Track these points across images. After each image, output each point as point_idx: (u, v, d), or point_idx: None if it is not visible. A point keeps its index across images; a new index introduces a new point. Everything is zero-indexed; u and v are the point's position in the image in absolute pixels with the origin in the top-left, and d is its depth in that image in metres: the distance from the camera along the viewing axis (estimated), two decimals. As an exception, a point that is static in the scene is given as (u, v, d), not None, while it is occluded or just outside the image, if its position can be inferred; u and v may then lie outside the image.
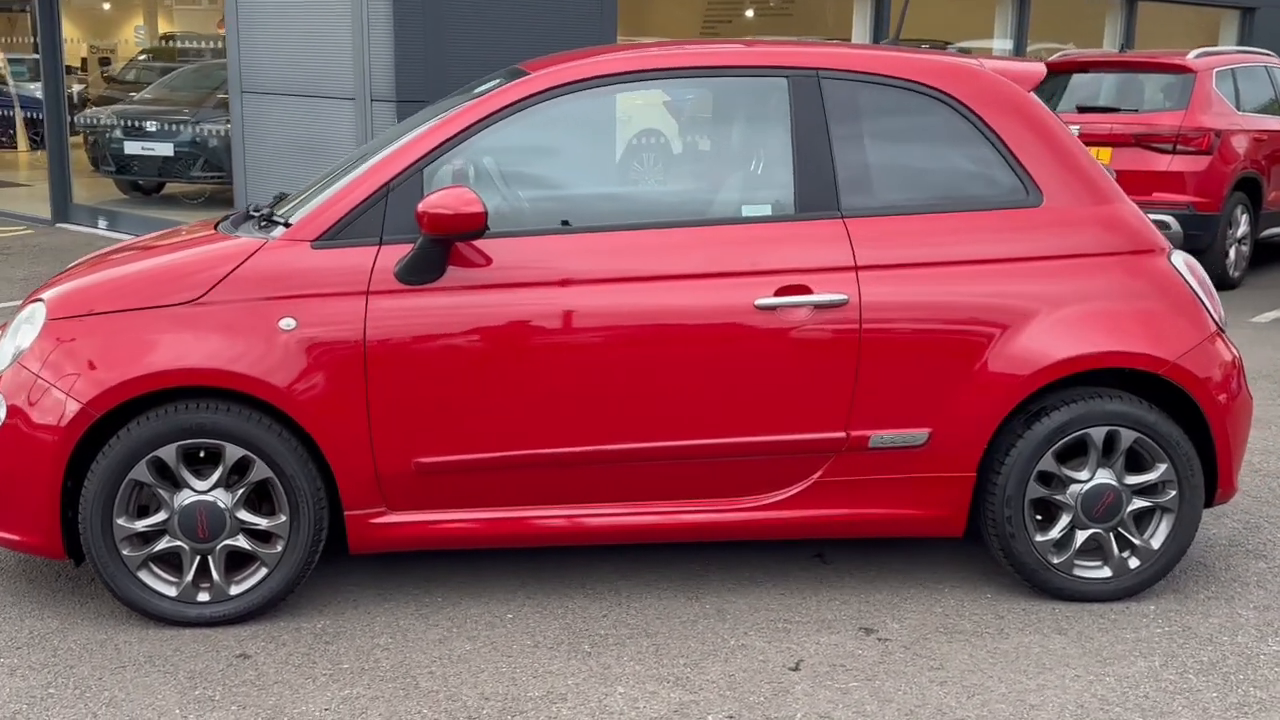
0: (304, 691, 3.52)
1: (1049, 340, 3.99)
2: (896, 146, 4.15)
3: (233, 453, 3.82)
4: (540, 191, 4.21)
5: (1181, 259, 4.19)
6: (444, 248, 3.79)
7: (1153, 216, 9.66)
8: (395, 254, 3.83)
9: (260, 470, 3.84)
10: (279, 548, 3.90)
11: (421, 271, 3.80)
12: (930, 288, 3.98)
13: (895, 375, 3.98)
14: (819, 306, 3.92)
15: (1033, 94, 4.24)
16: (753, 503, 4.05)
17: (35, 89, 16.44)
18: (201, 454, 3.86)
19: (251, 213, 4.28)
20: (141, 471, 3.80)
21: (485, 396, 3.85)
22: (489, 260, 3.85)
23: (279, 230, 3.93)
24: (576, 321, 3.86)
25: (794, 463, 4.01)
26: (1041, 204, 4.09)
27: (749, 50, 4.13)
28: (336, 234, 3.85)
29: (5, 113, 19.95)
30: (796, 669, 3.69)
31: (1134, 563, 4.17)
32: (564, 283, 3.87)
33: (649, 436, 3.92)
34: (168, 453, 3.80)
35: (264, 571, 3.91)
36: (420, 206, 3.70)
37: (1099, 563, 4.17)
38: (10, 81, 20.07)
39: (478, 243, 3.85)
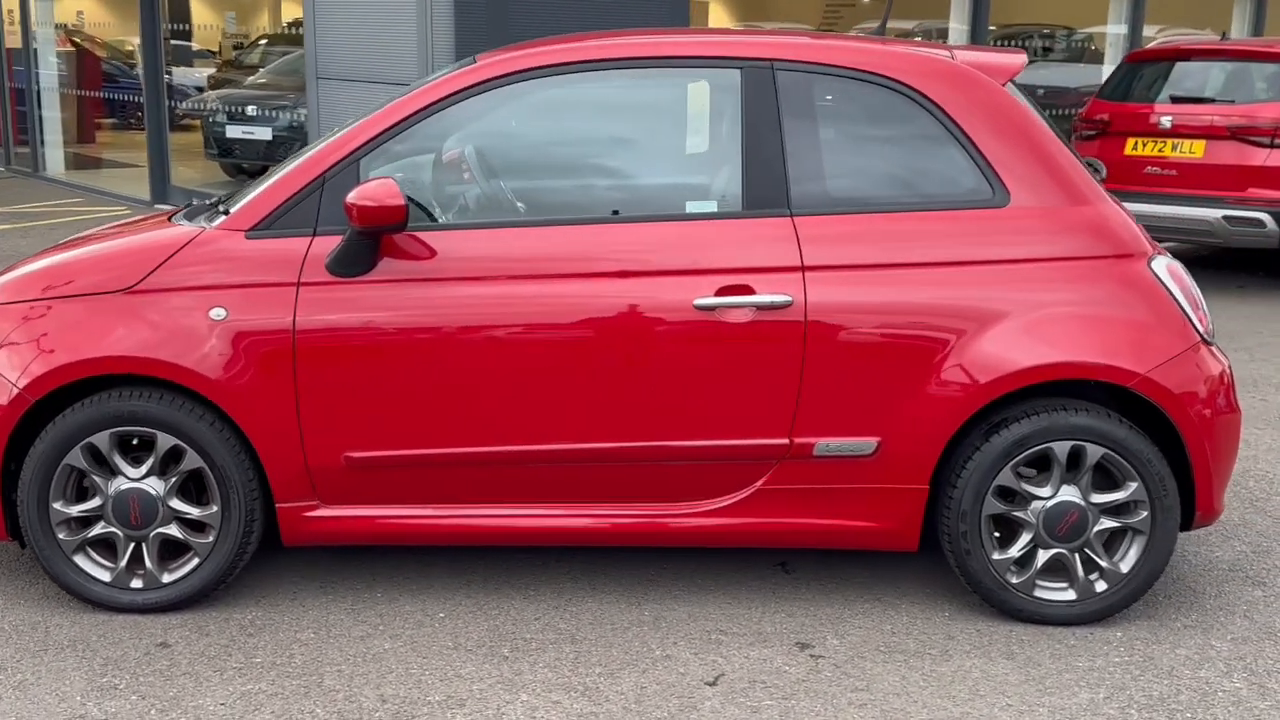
0: (208, 684, 3.51)
1: (1006, 349, 3.77)
2: (854, 142, 3.97)
3: (164, 441, 3.83)
4: (476, 184, 4.13)
5: (1164, 264, 3.92)
6: (373, 240, 3.74)
7: (1246, 214, 9.30)
8: (329, 245, 3.78)
9: (192, 459, 3.84)
10: (211, 538, 3.89)
11: (351, 264, 3.75)
12: (881, 291, 3.80)
13: (842, 381, 3.81)
14: (761, 308, 3.76)
15: (1009, 87, 4.01)
16: (693, 509, 3.92)
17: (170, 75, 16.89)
18: (135, 441, 3.88)
19: (208, 203, 4.28)
20: (76, 457, 3.83)
21: (414, 392, 3.79)
22: (423, 253, 3.79)
23: (219, 220, 3.92)
24: (507, 318, 3.77)
25: (736, 469, 3.87)
26: (1008, 204, 3.86)
27: (701, 40, 3.99)
28: (271, 224, 3.82)
29: (134, 96, 20.59)
30: (714, 684, 3.55)
31: (1101, 586, 3.92)
32: (496, 278, 3.78)
33: (581, 438, 3.82)
34: (101, 439, 3.82)
35: (196, 561, 3.91)
36: (348, 198, 3.64)
37: (1064, 584, 3.94)
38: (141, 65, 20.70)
39: (414, 235, 3.78)
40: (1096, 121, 9.95)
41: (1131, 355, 3.79)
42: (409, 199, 3.69)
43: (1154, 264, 3.90)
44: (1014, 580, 3.92)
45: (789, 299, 3.76)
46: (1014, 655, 3.74)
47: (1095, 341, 3.80)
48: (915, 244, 3.82)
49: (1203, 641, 3.85)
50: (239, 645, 3.73)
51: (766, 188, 3.83)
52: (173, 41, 17.34)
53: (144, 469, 3.85)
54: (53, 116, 15.34)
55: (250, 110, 13.39)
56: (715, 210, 3.92)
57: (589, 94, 4.05)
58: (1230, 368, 4.01)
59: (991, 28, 13.51)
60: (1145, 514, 3.87)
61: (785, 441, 3.83)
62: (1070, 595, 3.93)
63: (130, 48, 19.85)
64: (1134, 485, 3.85)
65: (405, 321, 3.76)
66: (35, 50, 15.15)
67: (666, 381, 3.79)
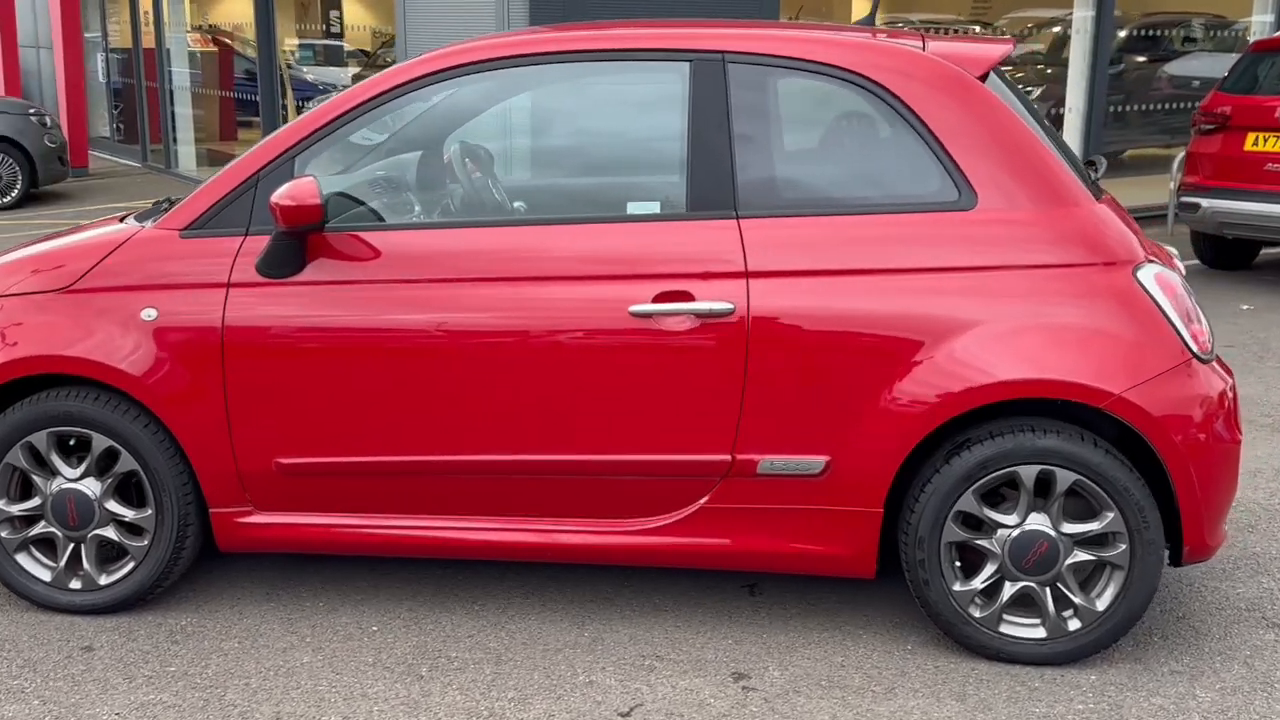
0: (112, 692, 3.44)
1: (965, 364, 3.47)
2: (809, 139, 3.72)
3: (100, 442, 3.79)
4: (411, 183, 3.99)
5: (1152, 273, 3.56)
6: (299, 241, 3.63)
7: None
8: (260, 245, 3.68)
9: (127, 462, 3.79)
10: (146, 541, 3.84)
11: (278, 265, 3.65)
12: (830, 298, 3.53)
13: (787, 395, 3.56)
14: (700, 315, 3.54)
15: (987, 81, 3.70)
16: (633, 526, 3.71)
17: (312, 74, 17.25)
18: (73, 442, 3.84)
19: (158, 202, 4.24)
20: (16, 456, 3.82)
21: (343, 399, 3.67)
22: (361, 255, 3.66)
23: (159, 219, 3.86)
24: (436, 323, 3.62)
25: (677, 485, 3.65)
26: (974, 207, 3.56)
27: (649, 32, 3.76)
28: (205, 224, 3.75)
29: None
30: (628, 715, 3.35)
31: (1074, 624, 3.59)
32: (427, 281, 3.63)
33: (515, 449, 3.65)
34: (39, 439, 3.80)
35: (132, 564, 3.86)
36: (271, 198, 3.54)
37: (1034, 620, 3.62)
38: (294, 66, 21.19)
39: (356, 236, 3.66)
40: (1216, 115, 9.33)
41: (1106, 373, 3.45)
42: (377, 198, 3.57)
43: (1140, 273, 3.54)
44: (977, 613, 3.61)
45: (730, 306, 3.53)
46: (965, 697, 3.44)
47: (1065, 357, 3.47)
48: (869, 249, 3.55)
49: (1186, 690, 3.49)
50: (160, 652, 3.67)
51: (712, 188, 3.60)
52: (325, 42, 17.73)
53: (80, 470, 3.82)
54: (185, 114, 15.76)
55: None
56: (658, 211, 3.70)
57: (530, 90, 3.87)
58: (1233, 389, 3.64)
59: (1118, 14, 12.80)
60: (1123, 547, 3.53)
61: (727, 458, 3.60)
62: (1040, 633, 3.61)
63: (286, 49, 20.32)
64: (1110, 515, 3.51)
65: (331, 325, 3.64)
66: (168, 50, 15.58)
67: (602, 392, 3.59)
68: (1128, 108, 13.93)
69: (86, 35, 17.18)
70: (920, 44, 3.73)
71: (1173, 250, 4.16)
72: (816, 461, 3.57)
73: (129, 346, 3.70)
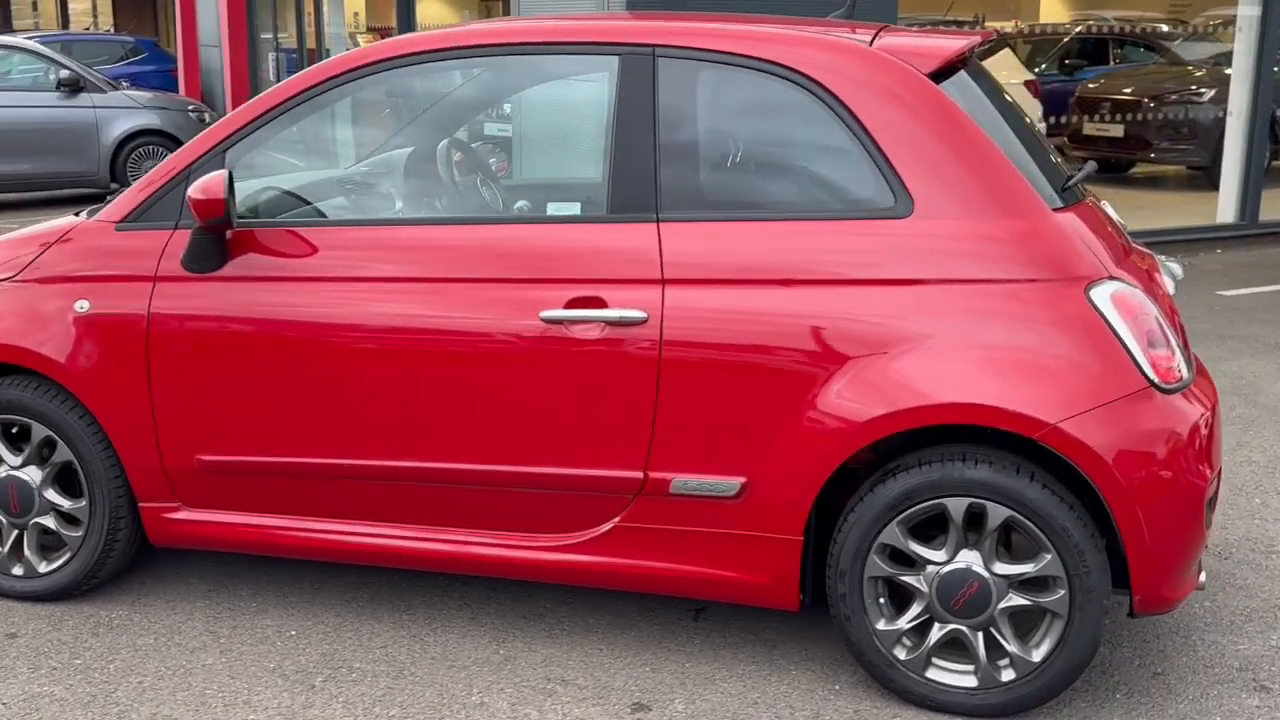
0: (10, 681, 3.45)
1: (886, 385, 3.20)
2: (740, 139, 3.48)
3: (39, 431, 3.82)
4: (327, 179, 3.89)
5: (1109, 293, 3.21)
6: (216, 235, 3.58)
7: None
8: (186, 239, 3.65)
9: (63, 451, 3.81)
10: (80, 532, 3.85)
11: (199, 259, 3.60)
12: (748, 309, 3.30)
13: (701, 411, 3.34)
14: (611, 323, 3.35)
15: (951, 78, 3.41)
16: (547, 542, 3.54)
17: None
18: (15, 430, 3.88)
19: (109, 194, 4.25)
20: (-37, 443, 3.88)
21: (257, 397, 3.61)
22: (270, 251, 3.60)
23: (100, 212, 3.86)
24: (342, 323, 3.52)
25: (591, 501, 3.47)
26: (910, 214, 3.27)
27: (578, 24, 3.59)
28: (139, 216, 3.73)
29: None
30: (503, 741, 3.19)
31: (1008, 675, 3.28)
32: (336, 280, 3.54)
33: (425, 456, 3.52)
34: (-16, 426, 3.86)
35: (68, 555, 3.88)
36: (187, 191, 3.50)
37: (967, 667, 3.32)
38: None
39: (264, 232, 3.60)
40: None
41: (1041, 400, 3.13)
42: (326, 196, 3.52)
43: (1093, 291, 3.20)
44: (903, 655, 3.33)
45: (643, 315, 3.33)
46: (872, 747, 3.18)
47: (996, 381, 3.16)
48: (794, 257, 3.30)
49: (1126, 756, 3.15)
50: (76, 644, 3.67)
51: (634, 189, 3.41)
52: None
53: (22, 458, 3.86)
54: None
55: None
56: (578, 213, 3.52)
57: (455, 85, 3.74)
58: (1208, 422, 3.26)
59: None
60: (1062, 593, 3.20)
61: (639, 475, 3.40)
62: (971, 681, 3.30)
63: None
64: (1048, 558, 3.19)
65: (241, 321, 3.58)
66: (328, 50, 16.01)
67: (513, 400, 3.44)
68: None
69: (262, 35, 17.78)
70: (870, 37, 3.46)
71: (1174, 267, 3.78)
72: (732, 483, 3.34)
73: (62, 337, 3.72)
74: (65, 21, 31.75)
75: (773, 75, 3.39)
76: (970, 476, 3.19)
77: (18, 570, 3.93)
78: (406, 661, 3.57)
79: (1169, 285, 3.66)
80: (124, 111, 12.66)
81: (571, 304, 3.37)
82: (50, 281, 3.77)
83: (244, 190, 3.68)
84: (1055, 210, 3.31)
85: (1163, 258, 3.83)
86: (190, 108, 13.54)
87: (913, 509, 3.25)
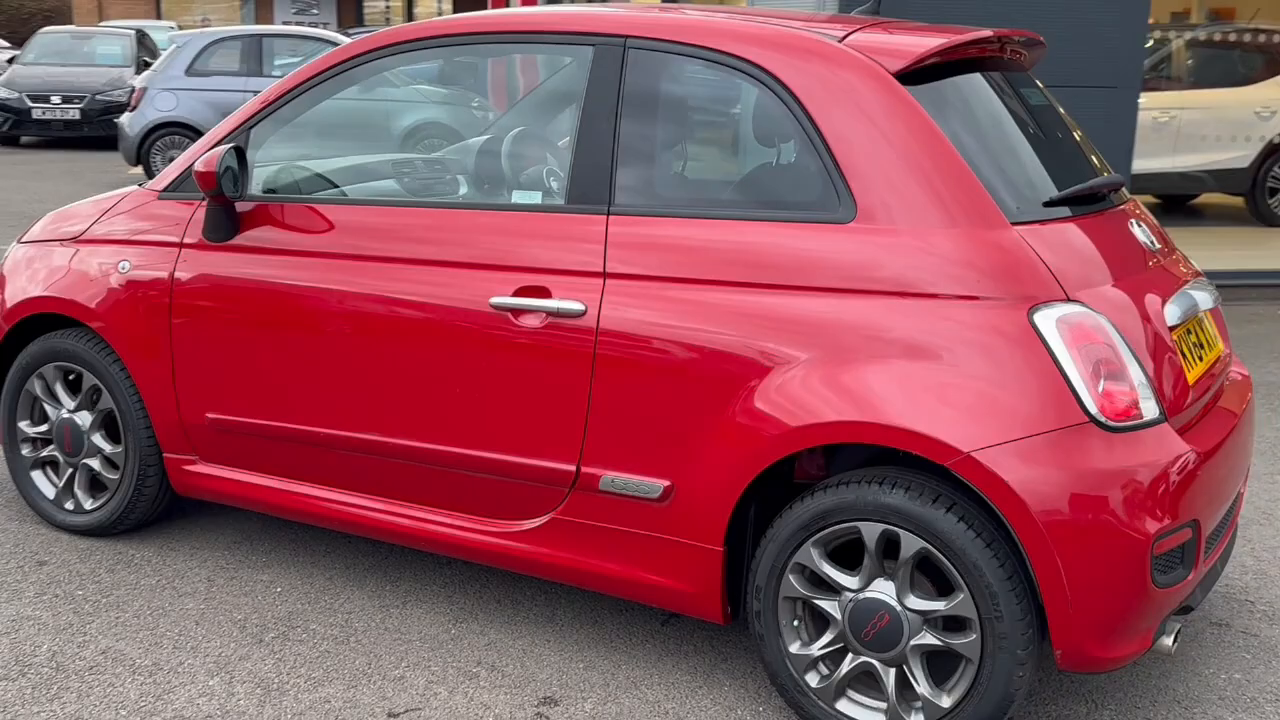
0: (14, 603, 3.77)
1: (801, 397, 3.04)
2: (697, 134, 3.40)
3: (88, 379, 4.16)
4: (324, 161, 4.03)
5: (1055, 316, 2.93)
6: (224, 207, 3.79)
7: None
8: (208, 210, 3.89)
9: (107, 400, 4.13)
10: (118, 475, 4.17)
11: (212, 229, 3.83)
12: (681, 309, 3.21)
13: (631, 409, 3.28)
14: (552, 314, 3.34)
15: (923, 79, 3.20)
16: (495, 528, 3.57)
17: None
18: (71, 377, 4.24)
19: None
20: (33, 384, 4.27)
21: (248, 361, 3.81)
22: (267, 225, 3.78)
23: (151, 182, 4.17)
24: (316, 297, 3.66)
25: (532, 491, 3.47)
26: (852, 220, 3.10)
27: (555, 15, 3.57)
28: (177, 187, 4.00)
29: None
30: (398, 715, 3.24)
31: (915, 718, 3.06)
32: (314, 254, 3.69)
33: (388, 431, 3.62)
34: (48, 371, 4.23)
35: (108, 495, 4.20)
36: (194, 165, 3.74)
37: (879, 704, 3.12)
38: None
39: (266, 207, 3.79)
40: None
41: (958, 426, 2.90)
42: (341, 175, 3.72)
43: (1038, 314, 2.94)
44: (814, 683, 3.17)
45: (581, 307, 3.30)
46: (753, 772, 3.04)
47: (913, 402, 2.94)
48: (731, 258, 3.19)
49: (1024, 822, 2.88)
50: (89, 576, 3.97)
51: (591, 181, 3.38)
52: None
53: (76, 403, 4.21)
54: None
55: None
56: (538, 202, 3.52)
57: (437, 73, 3.79)
58: (1184, 466, 2.94)
59: None
60: (974, 637, 2.96)
61: (573, 469, 3.38)
62: (879, 719, 3.10)
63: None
64: (960, 596, 2.96)
65: (237, 291, 3.78)
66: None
67: (463, 383, 3.48)
68: None
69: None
70: (846, 34, 3.29)
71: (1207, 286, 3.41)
72: (656, 485, 3.27)
73: (107, 294, 4.03)
74: (410, 13, 33.70)
75: (736, 70, 3.28)
76: (884, 501, 3.00)
77: (69, 505, 4.29)
78: (360, 629, 3.68)
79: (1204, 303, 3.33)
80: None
81: (519, 292, 3.38)
82: (104, 243, 4.10)
83: (267, 166, 3.88)
84: (1021, 224, 3.05)
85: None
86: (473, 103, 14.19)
87: (827, 530, 3.08)
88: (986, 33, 3.38)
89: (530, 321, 3.36)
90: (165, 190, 4.02)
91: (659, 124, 3.37)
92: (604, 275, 3.30)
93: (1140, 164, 11.60)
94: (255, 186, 3.85)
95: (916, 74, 3.22)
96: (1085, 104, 8.73)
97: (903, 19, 3.79)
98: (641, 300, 3.25)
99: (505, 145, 3.80)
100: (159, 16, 32.43)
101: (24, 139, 18.34)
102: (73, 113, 17.77)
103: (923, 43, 3.24)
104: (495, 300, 3.40)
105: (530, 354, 3.37)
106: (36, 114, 17.77)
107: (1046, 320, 2.93)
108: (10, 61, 20.06)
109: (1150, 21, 13.78)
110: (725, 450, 3.15)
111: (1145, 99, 12.24)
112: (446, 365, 3.49)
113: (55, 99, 17.82)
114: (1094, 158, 3.70)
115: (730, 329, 3.15)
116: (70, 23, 31.80)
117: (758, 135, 3.33)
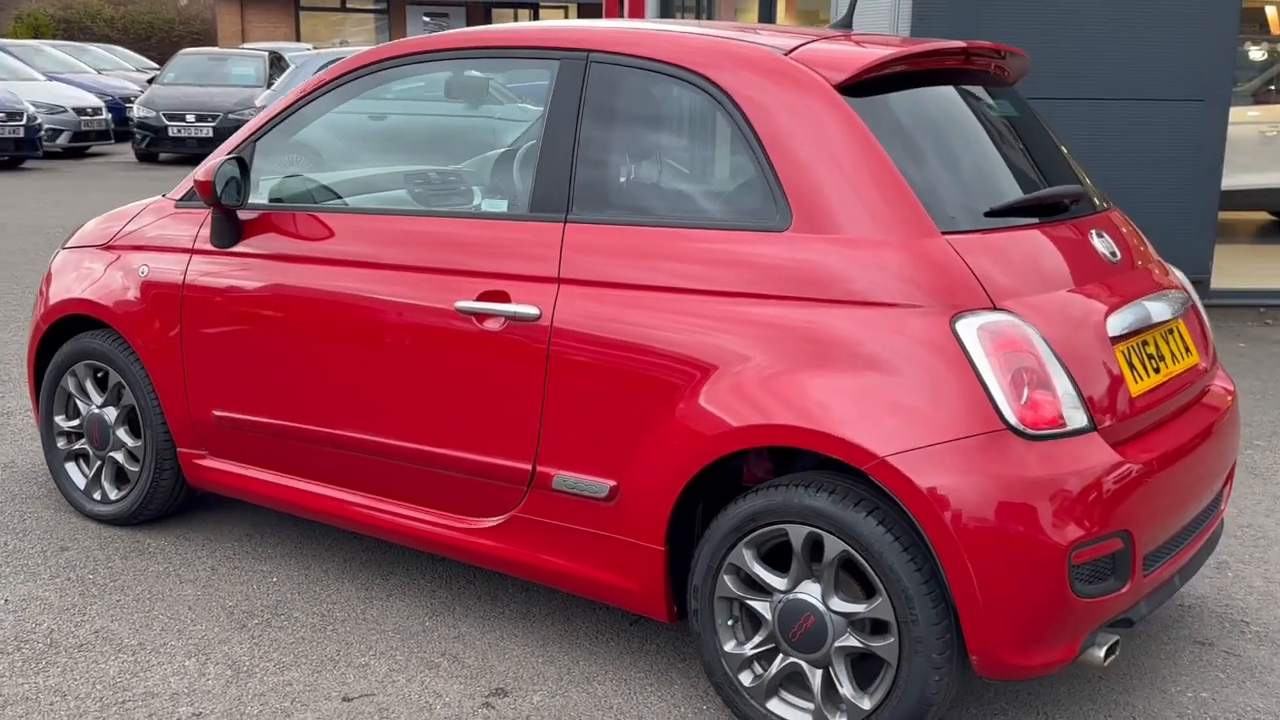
0: (28, 583, 4.03)
1: (730, 401, 3.12)
2: (651, 144, 3.48)
3: (114, 377, 4.42)
4: (315, 172, 4.21)
5: (977, 324, 2.95)
6: (227, 215, 4.01)
7: None
8: (218, 219, 4.12)
9: (129, 397, 4.39)
10: (138, 468, 4.41)
11: (218, 235, 4.05)
12: (627, 314, 3.31)
13: (581, 411, 3.39)
14: (510, 318, 3.47)
15: (871, 91, 3.26)
16: (463, 524, 3.70)
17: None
18: (100, 375, 4.50)
19: None
20: (67, 382, 4.55)
21: (244, 360, 4.01)
22: (264, 232, 3.99)
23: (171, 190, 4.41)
24: (299, 299, 3.85)
25: (495, 489, 3.60)
26: (787, 229, 3.17)
27: (525, 31, 3.71)
28: (192, 196, 4.24)
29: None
30: (351, 700, 3.39)
31: None
32: (300, 260, 3.88)
33: (367, 429, 3.79)
34: (79, 369, 4.50)
35: (129, 488, 4.46)
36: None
37: (807, 705, 3.17)
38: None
39: (265, 215, 4.00)
40: None
41: (876, 431, 2.94)
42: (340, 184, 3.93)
43: (960, 322, 2.97)
44: (747, 682, 3.23)
45: (536, 311, 3.43)
46: (678, 766, 3.11)
47: (834, 406, 3.00)
48: (675, 265, 3.28)
49: (934, 825, 2.90)
50: (103, 562, 4.21)
51: (552, 190, 3.50)
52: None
53: (103, 399, 4.47)
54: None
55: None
56: (504, 210, 3.65)
57: (415, 89, 3.96)
58: (1117, 476, 2.94)
59: None
60: (891, 640, 2.99)
61: (529, 468, 3.50)
62: (806, 720, 3.15)
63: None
64: (879, 600, 3.00)
65: (234, 294, 4.00)
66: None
67: (434, 384, 3.63)
68: None
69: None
70: (793, 45, 3.36)
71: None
72: (603, 485, 3.37)
73: (127, 296, 4.29)
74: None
75: (686, 82, 3.37)
76: (808, 504, 3.05)
77: (97, 495, 4.55)
78: (339, 619, 3.84)
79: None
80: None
81: (482, 296, 3.52)
82: (128, 249, 4.35)
83: (270, 178, 4.10)
84: (955, 233, 3.09)
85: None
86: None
87: (758, 532, 3.15)
88: (947, 44, 3.41)
89: (492, 325, 3.49)
90: (181, 199, 4.26)
91: (615, 135, 3.47)
92: (559, 280, 3.41)
93: (1249, 179, 11.29)
94: (259, 195, 4.05)
95: (868, 85, 3.27)
96: (1167, 117, 8.57)
97: (931, 35, 3.83)
98: (590, 305, 3.36)
99: (481, 157, 3.97)
100: (298, 38, 33.60)
101: (162, 156, 19.15)
102: (206, 131, 18.51)
103: (864, 54, 3.30)
104: (460, 304, 3.54)
105: (491, 356, 3.51)
106: (172, 132, 18.56)
107: (968, 328, 2.96)
108: (150, 81, 20.97)
109: (1273, 34, 13.40)
110: (664, 453, 3.23)
111: (1257, 112, 11.91)
112: (419, 366, 3.64)
113: (190, 117, 18.59)
114: (1071, 169, 3.70)
115: (672, 334, 3.23)
116: (216, 45, 33.12)
117: (705, 146, 3.42)
